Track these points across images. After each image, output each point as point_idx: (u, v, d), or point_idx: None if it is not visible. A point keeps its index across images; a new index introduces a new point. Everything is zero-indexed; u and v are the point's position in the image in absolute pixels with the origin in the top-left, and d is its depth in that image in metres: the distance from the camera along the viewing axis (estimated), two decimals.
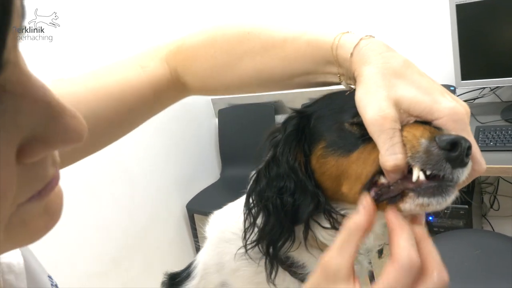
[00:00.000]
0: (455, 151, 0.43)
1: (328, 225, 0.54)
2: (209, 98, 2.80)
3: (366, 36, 0.49)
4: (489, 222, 2.20)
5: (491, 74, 1.80)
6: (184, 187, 2.56)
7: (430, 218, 1.98)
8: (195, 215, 2.50)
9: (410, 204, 0.46)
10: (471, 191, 1.96)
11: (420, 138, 0.44)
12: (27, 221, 0.25)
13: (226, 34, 0.56)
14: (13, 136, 0.21)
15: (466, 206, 1.89)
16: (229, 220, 0.67)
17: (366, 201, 0.44)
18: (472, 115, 1.84)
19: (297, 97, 2.24)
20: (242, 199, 0.66)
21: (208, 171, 2.77)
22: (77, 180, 1.85)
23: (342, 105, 0.54)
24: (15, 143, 0.22)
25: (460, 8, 1.74)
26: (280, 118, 2.46)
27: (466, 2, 1.72)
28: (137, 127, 0.59)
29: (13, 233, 0.24)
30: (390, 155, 0.44)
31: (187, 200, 2.53)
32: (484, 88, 1.96)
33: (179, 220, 2.53)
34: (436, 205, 0.46)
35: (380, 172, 0.47)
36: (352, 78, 0.50)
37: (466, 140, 0.44)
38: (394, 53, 0.48)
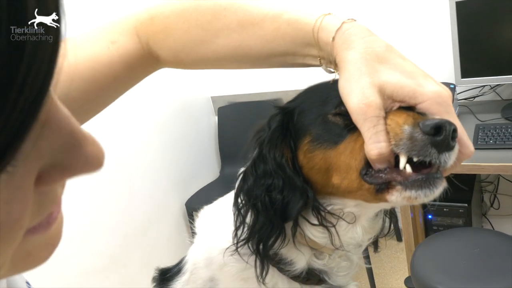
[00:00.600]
0: (440, 135, 0.42)
1: (316, 222, 0.54)
2: (209, 96, 2.79)
3: (348, 19, 0.47)
4: (489, 221, 2.19)
5: (491, 72, 1.78)
6: (183, 185, 2.55)
7: (430, 216, 1.98)
8: (195, 213, 2.49)
9: (396, 196, 0.46)
10: (471, 189, 1.95)
11: (403, 125, 0.44)
12: (32, 252, 0.24)
13: (200, 6, 0.53)
14: (34, 163, 0.21)
15: (466, 205, 1.88)
16: (219, 215, 0.67)
17: None
18: (472, 113, 1.84)
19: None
20: (232, 194, 0.65)
21: (208, 169, 2.76)
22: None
23: (324, 97, 0.53)
24: (35, 171, 0.21)
25: (460, 6, 1.73)
26: None
27: None
28: (112, 102, 0.57)
29: (15, 263, 0.23)
30: (374, 143, 0.44)
31: (186, 198, 2.52)
32: (484, 86, 1.95)
33: (178, 218, 2.53)
34: (423, 197, 0.45)
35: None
36: (333, 62, 0.48)
37: (450, 123, 0.43)
38: (377, 38, 0.47)
